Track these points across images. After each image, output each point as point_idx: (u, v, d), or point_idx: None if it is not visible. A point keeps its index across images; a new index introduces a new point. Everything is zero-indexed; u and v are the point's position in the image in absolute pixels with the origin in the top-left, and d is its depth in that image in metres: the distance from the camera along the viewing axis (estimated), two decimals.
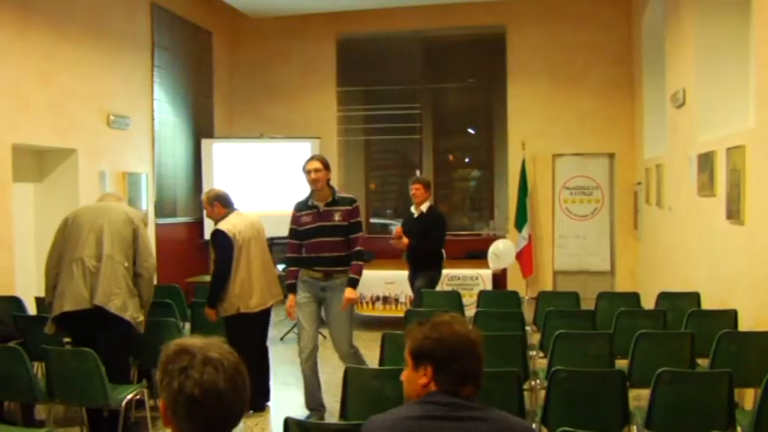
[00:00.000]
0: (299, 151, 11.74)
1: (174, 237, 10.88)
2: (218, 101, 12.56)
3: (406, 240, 7.56)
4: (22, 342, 5.45)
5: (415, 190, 7.78)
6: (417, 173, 12.55)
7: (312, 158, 5.90)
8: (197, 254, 11.23)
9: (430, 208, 7.78)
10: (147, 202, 10.10)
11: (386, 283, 9.34)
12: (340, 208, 5.83)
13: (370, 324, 9.24)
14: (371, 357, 6.00)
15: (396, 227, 8.13)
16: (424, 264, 7.77)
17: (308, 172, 5.78)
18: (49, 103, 8.08)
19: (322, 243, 5.79)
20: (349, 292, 5.74)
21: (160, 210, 10.56)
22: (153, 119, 10.40)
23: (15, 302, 6.62)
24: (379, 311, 9.47)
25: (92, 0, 8.95)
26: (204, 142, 11.63)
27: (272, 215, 11.33)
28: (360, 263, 5.82)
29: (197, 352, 1.82)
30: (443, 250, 7.90)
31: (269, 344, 6.81)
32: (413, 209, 7.88)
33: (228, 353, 1.86)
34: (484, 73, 12.47)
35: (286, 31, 12.68)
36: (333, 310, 5.85)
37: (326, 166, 5.83)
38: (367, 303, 9.48)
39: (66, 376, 4.90)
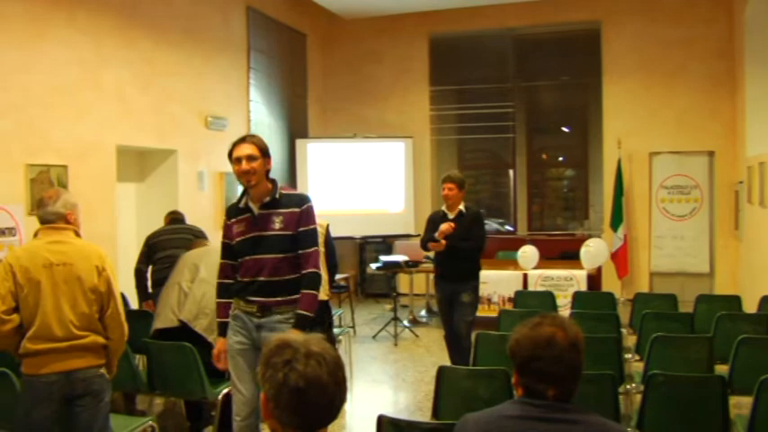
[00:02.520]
0: (393, 151, 11.84)
1: None
2: (312, 101, 12.73)
3: (444, 242, 6.65)
4: None
5: (447, 190, 6.82)
6: (511, 173, 12.47)
7: (243, 140, 4.22)
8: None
9: (468, 207, 6.92)
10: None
11: (482, 282, 9.26)
12: (282, 210, 4.18)
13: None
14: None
15: (444, 225, 6.75)
16: (465, 271, 6.75)
17: (236, 161, 4.16)
18: (151, 106, 8.34)
19: (259, 262, 4.17)
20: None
21: None
22: (249, 120, 10.62)
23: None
24: None
25: (190, 6, 9.20)
26: (298, 142, 11.80)
27: (365, 214, 11.47)
28: (311, 292, 4.12)
29: (299, 346, 1.86)
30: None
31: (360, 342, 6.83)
32: (445, 210, 6.91)
33: (329, 347, 1.90)
34: (578, 70, 12.26)
35: (379, 31, 12.76)
36: None
37: (264, 152, 4.21)
38: None
39: (166, 369, 5.07)
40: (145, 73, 8.27)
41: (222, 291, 4.39)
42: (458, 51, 12.78)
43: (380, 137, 12.11)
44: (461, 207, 6.82)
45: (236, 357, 4.26)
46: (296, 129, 12.07)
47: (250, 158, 4.12)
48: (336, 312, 8.49)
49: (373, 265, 9.95)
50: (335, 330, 7.19)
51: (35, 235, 4.02)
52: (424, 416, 5.85)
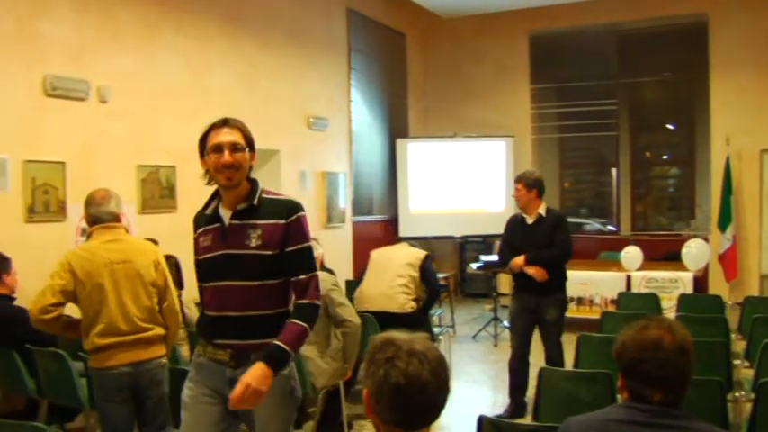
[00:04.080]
0: (493, 150, 11.78)
1: (371, 234, 11.18)
2: (412, 101, 12.79)
3: (535, 271, 5.90)
4: None
5: (515, 191, 6.12)
6: (613, 172, 12.24)
7: (225, 123, 3.17)
8: None
9: (549, 210, 6.17)
10: (344, 201, 10.46)
11: (580, 283, 9.15)
12: (260, 222, 3.09)
13: (565, 326, 9.08)
14: (566, 359, 5.94)
15: (516, 260, 6.02)
16: (548, 283, 5.94)
17: (215, 149, 3.09)
18: (254, 108, 8.54)
19: (225, 290, 3.10)
20: (258, 373, 2.87)
21: (357, 208, 10.90)
22: (350, 120, 10.75)
23: None
24: (573, 313, 9.27)
25: (292, 9, 9.38)
26: (399, 142, 11.86)
27: (465, 213, 11.45)
28: (301, 325, 3.02)
29: (403, 344, 1.87)
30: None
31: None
32: (523, 215, 6.18)
33: (433, 347, 1.89)
34: (683, 65, 11.92)
35: (478, 29, 12.70)
36: (261, 421, 3.13)
37: (250, 142, 3.16)
38: None
39: None
40: (249, 76, 8.49)
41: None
42: (559, 48, 12.61)
43: (481, 136, 12.06)
44: (541, 210, 6.06)
45: (191, 408, 3.17)
46: (396, 129, 12.15)
47: (234, 148, 3.06)
48: (436, 312, 8.52)
49: (473, 265, 9.93)
50: (435, 330, 7.22)
51: (89, 236, 4.19)
52: (524, 417, 5.81)
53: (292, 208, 3.14)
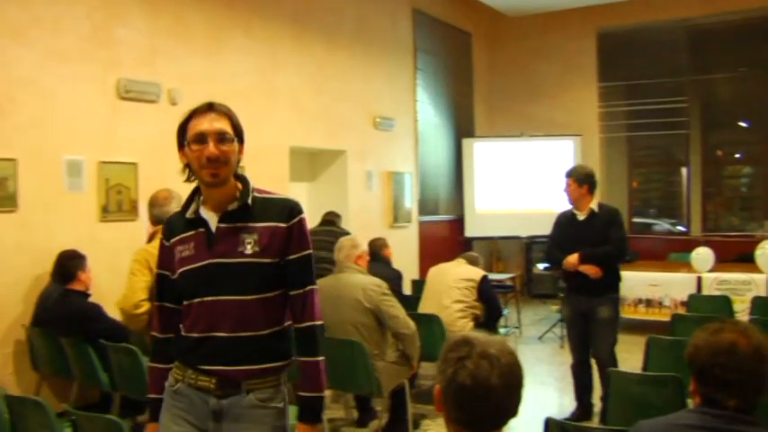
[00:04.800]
0: (560, 149, 11.67)
1: (437, 234, 11.19)
2: (478, 100, 12.76)
3: (574, 260, 5.73)
4: None
5: (566, 186, 5.86)
6: (683, 171, 12.02)
7: (210, 108, 2.60)
8: (459, 251, 11.45)
9: (601, 205, 5.89)
10: (410, 201, 10.48)
11: (649, 285, 9.01)
12: (256, 225, 2.61)
13: (634, 328, 8.93)
14: (634, 362, 5.85)
15: (569, 258, 5.78)
16: (601, 283, 5.69)
17: (197, 139, 2.53)
18: (321, 109, 8.64)
19: (217, 307, 2.59)
20: None
21: (423, 208, 10.92)
22: (416, 120, 10.77)
23: None
24: (642, 315, 9.15)
25: (358, 10, 9.46)
26: (465, 142, 11.84)
27: (532, 213, 11.37)
28: (315, 359, 2.67)
29: (477, 345, 1.85)
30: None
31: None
32: (574, 211, 5.92)
33: (508, 352, 1.87)
34: (757, 60, 11.61)
35: (544, 28, 12.60)
36: None
37: (239, 132, 2.63)
38: (629, 306, 9.18)
39: (334, 363, 5.21)
40: (316, 77, 8.58)
41: (159, 350, 2.80)
42: (627, 45, 12.41)
43: (547, 135, 11.96)
44: (593, 206, 5.79)
45: None
46: (462, 128, 12.13)
47: (221, 137, 2.53)
48: (503, 312, 8.48)
49: (540, 266, 9.89)
50: (501, 331, 7.19)
51: (152, 236, 4.26)
52: (591, 421, 5.76)
53: (293, 209, 2.67)
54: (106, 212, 6.20)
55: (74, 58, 6.06)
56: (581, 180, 5.76)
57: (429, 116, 11.18)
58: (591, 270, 5.66)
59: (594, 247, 5.68)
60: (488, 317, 6.38)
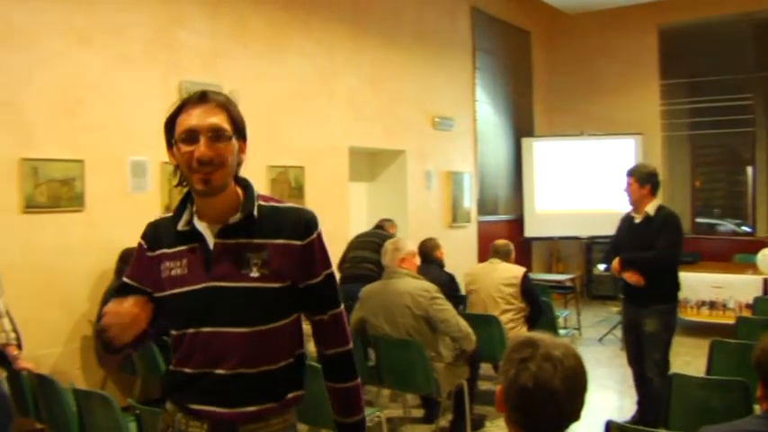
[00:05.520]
0: (621, 148, 11.52)
1: (496, 234, 11.08)
2: (538, 99, 12.67)
3: (629, 276, 5.42)
4: None
5: (627, 185, 5.49)
6: (749, 170, 11.76)
7: (203, 99, 2.13)
8: (518, 251, 11.34)
9: (660, 208, 5.45)
10: (470, 201, 10.47)
11: (713, 286, 8.84)
12: (264, 241, 2.14)
13: (696, 330, 8.78)
14: (697, 365, 5.76)
15: (614, 263, 5.55)
16: (648, 292, 5.34)
17: (186, 137, 2.06)
18: (380, 109, 8.68)
19: (216, 340, 2.12)
20: None
21: (482, 207, 10.90)
22: (475, 119, 10.75)
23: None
24: (705, 317, 8.97)
25: (417, 10, 9.47)
26: (524, 141, 11.77)
27: (592, 213, 11.26)
28: (352, 384, 2.31)
29: (541, 346, 1.82)
30: (678, 272, 5.51)
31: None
32: (632, 213, 5.59)
33: (572, 355, 1.84)
34: None
35: (604, 25, 12.43)
36: None
37: (239, 127, 2.17)
38: (692, 308, 9.02)
39: (393, 363, 5.24)
40: (374, 77, 8.63)
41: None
42: (690, 41, 12.18)
43: (608, 134, 11.81)
44: (649, 209, 5.41)
45: None
46: (521, 128, 12.06)
47: (216, 135, 2.06)
48: (562, 314, 8.42)
49: (600, 266, 9.77)
50: (561, 332, 7.12)
51: None
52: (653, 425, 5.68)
53: (309, 222, 2.21)
54: (168, 211, 6.29)
55: (137, 61, 6.21)
56: (643, 180, 5.41)
57: (488, 116, 11.14)
58: (632, 278, 5.40)
59: (636, 252, 5.39)
60: (529, 317, 6.23)
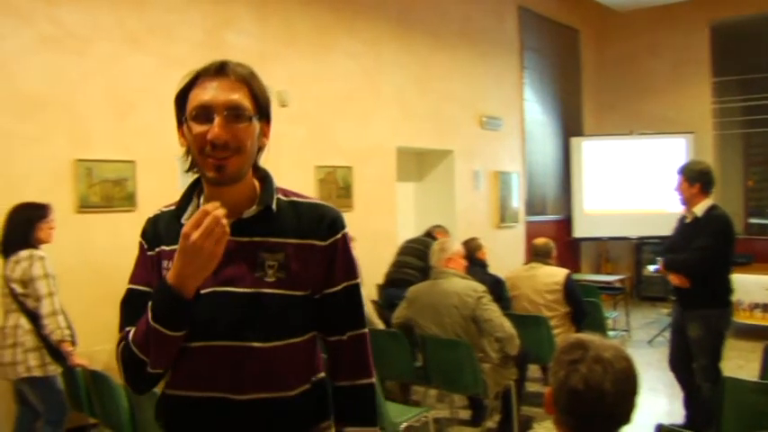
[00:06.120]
0: (672, 148, 11.37)
1: (544, 234, 10.96)
2: (586, 98, 12.54)
3: (673, 278, 5.24)
4: None
5: (677, 184, 5.30)
6: None
7: (221, 71, 1.87)
8: (566, 252, 11.32)
9: (710, 209, 5.18)
10: (518, 201, 10.42)
11: (766, 289, 8.68)
12: (283, 240, 1.81)
13: (749, 333, 8.62)
14: (750, 369, 5.66)
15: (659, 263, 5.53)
16: (692, 295, 5.15)
17: (199, 113, 1.78)
18: (427, 109, 8.69)
19: (223, 356, 1.76)
20: None
21: (530, 207, 10.83)
22: (523, 119, 10.69)
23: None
24: (758, 320, 8.80)
25: (464, 9, 9.45)
26: (573, 140, 11.67)
27: (642, 214, 11.13)
28: (372, 429, 1.91)
29: (591, 348, 1.81)
30: (730, 276, 5.20)
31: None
32: (685, 213, 5.38)
33: (623, 358, 1.82)
34: None
35: (654, 22, 12.26)
36: None
37: (261, 106, 1.86)
38: (744, 310, 8.86)
39: (441, 363, 5.24)
40: (421, 77, 8.63)
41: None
42: (742, 37, 11.94)
43: (658, 133, 11.65)
44: (696, 210, 5.19)
45: None
46: (570, 127, 11.96)
47: (233, 113, 1.77)
48: (611, 315, 8.33)
49: (650, 267, 9.63)
50: (610, 333, 7.05)
51: None
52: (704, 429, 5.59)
53: (335, 220, 1.89)
54: (172, 204, 6.37)
55: (187, 63, 6.18)
56: (692, 178, 5.19)
57: (536, 115, 11.08)
58: (675, 279, 5.23)
59: (675, 253, 5.26)
60: (573, 319, 6.12)
